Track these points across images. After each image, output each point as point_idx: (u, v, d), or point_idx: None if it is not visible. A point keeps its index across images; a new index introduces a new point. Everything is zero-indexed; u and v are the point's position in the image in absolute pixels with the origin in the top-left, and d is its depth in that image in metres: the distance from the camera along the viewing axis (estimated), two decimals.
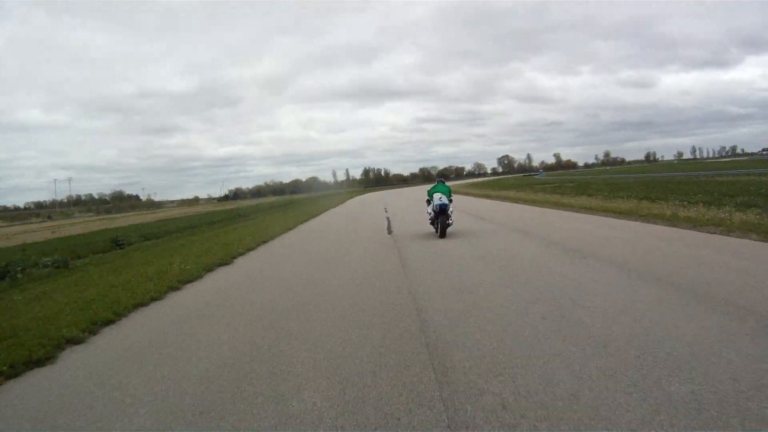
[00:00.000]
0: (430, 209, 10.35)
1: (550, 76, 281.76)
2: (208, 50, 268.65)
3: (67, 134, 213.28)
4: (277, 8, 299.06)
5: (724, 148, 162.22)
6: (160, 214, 60.17)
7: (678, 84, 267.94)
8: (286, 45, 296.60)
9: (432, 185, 11.01)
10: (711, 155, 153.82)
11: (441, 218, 9.87)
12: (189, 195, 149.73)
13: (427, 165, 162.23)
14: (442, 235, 9.87)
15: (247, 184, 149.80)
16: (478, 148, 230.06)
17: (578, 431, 2.27)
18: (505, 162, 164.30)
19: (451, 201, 10.27)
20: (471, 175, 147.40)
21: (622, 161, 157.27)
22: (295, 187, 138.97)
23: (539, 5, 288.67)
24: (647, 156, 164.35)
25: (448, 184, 11.44)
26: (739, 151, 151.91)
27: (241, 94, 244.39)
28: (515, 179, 74.34)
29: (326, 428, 2.52)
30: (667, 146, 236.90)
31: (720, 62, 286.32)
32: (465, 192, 37.10)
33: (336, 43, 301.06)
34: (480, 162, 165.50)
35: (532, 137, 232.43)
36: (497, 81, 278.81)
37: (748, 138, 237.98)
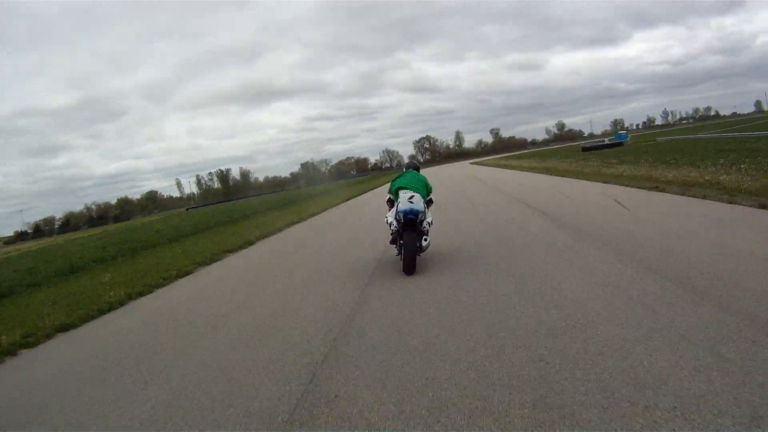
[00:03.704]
0: (391, 216, 5.85)
1: (437, 64, 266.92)
2: (86, 61, 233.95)
3: None
4: (154, 11, 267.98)
5: (698, 110, 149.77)
6: None
7: (566, 64, 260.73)
8: (166, 50, 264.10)
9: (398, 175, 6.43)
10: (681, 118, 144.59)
11: (406, 236, 5.53)
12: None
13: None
14: (409, 269, 5.45)
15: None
16: (370, 143, 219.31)
17: (579, 431, 2.08)
18: (426, 146, 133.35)
19: (431, 202, 6.18)
20: (378, 168, 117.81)
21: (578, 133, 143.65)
22: (124, 209, 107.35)
23: None
24: (614, 122, 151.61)
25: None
26: (713, 113, 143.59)
27: (124, 106, 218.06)
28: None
29: None
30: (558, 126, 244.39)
31: (608, 40, 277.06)
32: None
33: (217, 45, 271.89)
34: (391, 149, 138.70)
35: (423, 127, 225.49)
36: (384, 73, 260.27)
37: (636, 113, 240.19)
